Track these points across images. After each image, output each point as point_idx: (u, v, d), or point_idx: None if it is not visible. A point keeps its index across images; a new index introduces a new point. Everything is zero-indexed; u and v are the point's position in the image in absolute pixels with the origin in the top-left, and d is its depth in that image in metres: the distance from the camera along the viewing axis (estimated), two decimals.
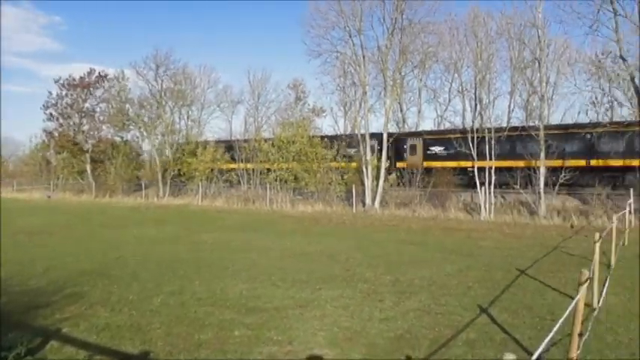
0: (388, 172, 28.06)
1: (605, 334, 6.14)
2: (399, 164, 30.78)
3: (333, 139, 30.03)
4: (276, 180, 29.26)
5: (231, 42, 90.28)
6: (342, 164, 28.33)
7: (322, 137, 30.48)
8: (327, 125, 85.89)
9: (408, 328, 6.44)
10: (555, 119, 34.64)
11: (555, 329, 3.45)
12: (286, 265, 10.87)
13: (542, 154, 21.73)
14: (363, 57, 25.51)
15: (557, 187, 21.54)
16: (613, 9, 19.53)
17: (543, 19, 21.87)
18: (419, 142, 30.66)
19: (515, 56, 26.18)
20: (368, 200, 24.82)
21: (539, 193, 21.13)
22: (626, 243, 13.51)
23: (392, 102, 28.00)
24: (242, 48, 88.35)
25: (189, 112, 43.22)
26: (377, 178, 25.25)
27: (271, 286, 8.86)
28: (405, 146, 31.16)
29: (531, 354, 5.11)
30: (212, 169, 33.25)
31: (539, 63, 22.75)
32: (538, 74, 23.35)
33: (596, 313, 6.89)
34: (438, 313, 7.16)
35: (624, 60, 19.86)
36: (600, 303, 7.32)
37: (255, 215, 23.78)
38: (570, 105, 54.50)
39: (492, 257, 12.00)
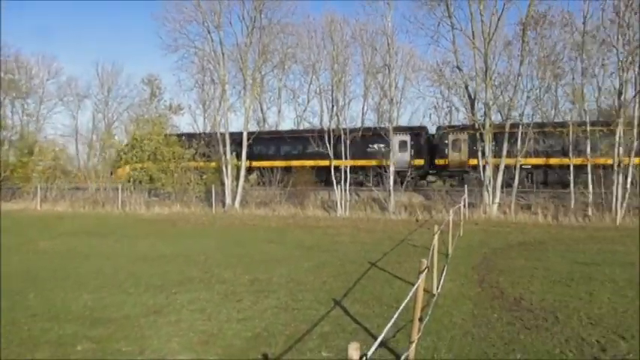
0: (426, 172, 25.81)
1: (443, 316, 6.78)
2: (438, 162, 27.75)
3: (191, 137, 29.05)
4: (129, 181, 27.45)
5: (75, 30, 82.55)
6: (201, 164, 27.53)
7: (180, 136, 29.32)
8: (185, 123, 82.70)
9: (266, 327, 6.46)
10: (403, 121, 37.72)
11: (395, 316, 3.70)
12: (139, 270, 10.23)
13: (392, 154, 23.39)
14: (223, 54, 25.13)
15: (404, 185, 23.38)
16: (451, 23, 21.80)
17: (392, 27, 23.61)
18: (464, 137, 26.66)
19: (367, 61, 27.86)
20: (228, 200, 24.50)
21: (389, 190, 22.73)
22: (461, 234, 15.10)
23: (252, 101, 28.03)
24: (89, 37, 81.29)
25: (25, 106, 38.84)
26: (237, 177, 25.05)
27: (121, 294, 8.27)
28: (445, 141, 27.21)
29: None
30: (54, 170, 30.04)
31: (388, 69, 24.46)
32: (388, 79, 25.12)
33: (435, 298, 7.58)
34: (295, 309, 7.29)
35: (460, 70, 22.22)
36: (439, 289, 8.06)
37: (104, 219, 22.05)
38: (416, 109, 59.59)
39: (347, 252, 12.59)
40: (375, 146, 25.79)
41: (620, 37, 19.26)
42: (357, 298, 7.87)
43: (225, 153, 25.10)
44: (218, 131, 26.14)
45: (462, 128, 24.60)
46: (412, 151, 27.44)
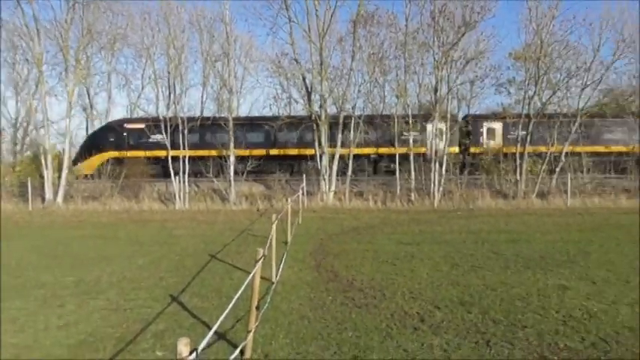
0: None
1: (281, 303, 6.88)
2: (472, 149, 26.61)
3: None
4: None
5: None
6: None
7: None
8: None
9: (92, 331, 5.89)
10: (243, 112, 37.54)
11: (230, 307, 3.61)
12: None
13: (232, 144, 23.16)
14: (37, 30, 22.23)
15: (245, 175, 23.36)
16: (288, 16, 22.22)
17: (230, 15, 23.26)
18: (498, 125, 26.27)
19: (206, 49, 27.00)
20: (48, 195, 21.92)
21: (229, 180, 22.49)
22: (300, 222, 15.59)
23: (76, 84, 25.27)
24: None
25: None
26: (59, 170, 22.54)
27: None
28: (481, 129, 26.72)
29: (216, 334, 5.31)
30: None
31: (227, 57, 24.08)
32: (227, 68, 24.72)
33: (274, 286, 7.67)
34: (127, 308, 6.78)
35: (297, 62, 22.82)
36: (278, 276, 8.18)
37: None
38: (255, 99, 59.64)
39: (186, 245, 12.14)
40: (411, 134, 24.56)
41: (435, 39, 21.59)
42: (195, 292, 7.61)
43: (44, 142, 22.38)
44: (34, 117, 23.19)
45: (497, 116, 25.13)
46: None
